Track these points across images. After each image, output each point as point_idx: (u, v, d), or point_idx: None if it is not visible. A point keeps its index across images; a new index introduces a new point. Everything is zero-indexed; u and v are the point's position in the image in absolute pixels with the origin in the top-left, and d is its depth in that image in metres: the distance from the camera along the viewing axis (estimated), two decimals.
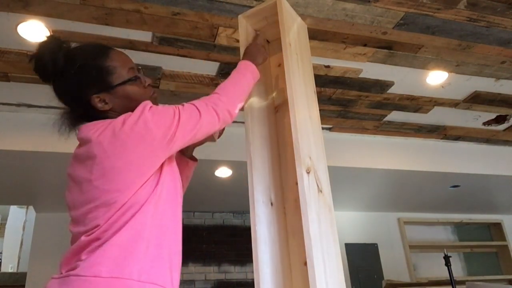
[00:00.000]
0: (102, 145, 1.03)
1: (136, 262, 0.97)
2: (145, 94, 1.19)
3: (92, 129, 1.08)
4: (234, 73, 1.33)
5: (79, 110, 1.18)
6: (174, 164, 1.18)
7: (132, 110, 1.10)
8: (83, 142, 1.09)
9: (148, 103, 1.10)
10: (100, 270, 0.93)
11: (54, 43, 1.17)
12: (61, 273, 0.99)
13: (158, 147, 1.05)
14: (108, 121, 1.09)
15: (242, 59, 1.41)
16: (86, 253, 0.97)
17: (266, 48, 1.66)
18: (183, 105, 1.15)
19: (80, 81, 1.14)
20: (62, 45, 1.17)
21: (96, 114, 1.16)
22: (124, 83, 1.15)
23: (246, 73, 1.34)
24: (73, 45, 1.21)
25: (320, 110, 1.53)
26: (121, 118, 1.07)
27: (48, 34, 1.20)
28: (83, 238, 0.99)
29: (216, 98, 1.21)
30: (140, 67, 1.24)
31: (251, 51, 1.43)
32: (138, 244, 0.99)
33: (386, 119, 3.71)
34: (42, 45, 1.15)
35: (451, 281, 3.29)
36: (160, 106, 1.12)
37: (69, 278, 0.95)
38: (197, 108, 1.14)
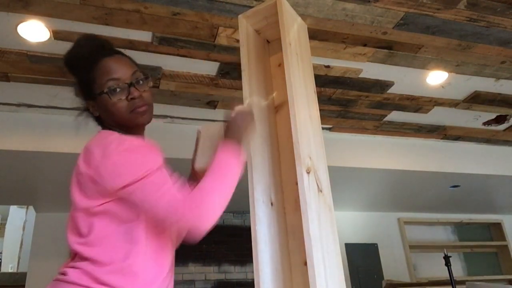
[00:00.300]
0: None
1: (114, 276, 1.02)
2: (121, 108, 1.15)
3: (91, 140, 1.16)
4: (220, 167, 1.12)
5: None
6: None
7: (114, 123, 1.17)
8: None
9: (125, 142, 1.07)
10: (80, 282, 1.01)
11: (86, 40, 1.26)
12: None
13: (102, 188, 1.04)
14: (103, 136, 1.14)
15: (228, 136, 1.18)
16: (73, 262, 1.06)
17: (266, 48, 1.66)
18: (163, 174, 1.07)
19: (77, 82, 1.23)
20: (91, 43, 1.25)
21: (96, 120, 1.24)
22: (100, 94, 1.16)
23: (233, 168, 1.13)
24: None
25: (320, 110, 1.52)
26: (107, 141, 1.09)
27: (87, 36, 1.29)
28: (72, 247, 1.08)
29: (198, 195, 1.06)
30: (134, 80, 1.18)
31: (239, 127, 1.20)
32: (116, 259, 1.03)
33: (386, 119, 3.71)
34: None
35: (451, 281, 3.29)
36: (137, 154, 1.07)
37: (58, 282, 1.03)
38: (166, 189, 1.03)
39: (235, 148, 1.15)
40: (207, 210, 1.07)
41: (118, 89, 1.15)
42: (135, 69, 1.22)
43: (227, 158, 1.13)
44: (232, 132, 1.19)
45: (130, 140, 1.08)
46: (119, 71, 1.18)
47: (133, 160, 1.05)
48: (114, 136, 1.10)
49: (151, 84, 1.23)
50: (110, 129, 1.18)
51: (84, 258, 1.03)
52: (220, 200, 1.10)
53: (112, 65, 1.19)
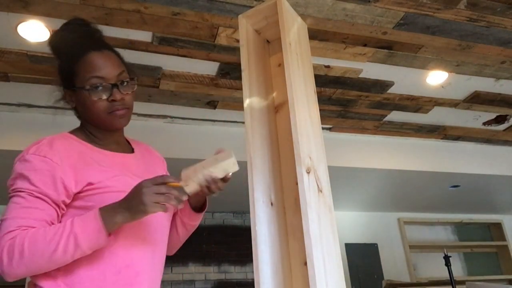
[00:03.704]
0: None
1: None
2: (99, 108, 1.12)
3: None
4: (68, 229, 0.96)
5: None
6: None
7: (88, 120, 1.17)
8: None
9: (23, 169, 1.05)
10: None
11: (77, 25, 1.20)
12: None
13: None
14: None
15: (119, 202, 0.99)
16: None
17: (266, 48, 1.66)
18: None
19: (59, 71, 1.19)
20: (81, 29, 1.19)
21: (74, 110, 1.22)
22: (80, 88, 1.13)
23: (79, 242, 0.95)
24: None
25: (320, 110, 1.52)
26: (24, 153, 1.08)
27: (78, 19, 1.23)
28: None
29: (20, 239, 0.94)
30: (119, 81, 1.14)
31: (129, 198, 0.97)
32: None
33: (386, 119, 3.71)
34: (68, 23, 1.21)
35: (451, 281, 3.29)
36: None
37: None
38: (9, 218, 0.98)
39: (100, 225, 0.95)
40: (21, 271, 0.94)
41: (100, 88, 1.11)
42: (122, 69, 1.17)
43: (86, 228, 0.95)
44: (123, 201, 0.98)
45: (23, 162, 1.06)
46: (104, 69, 1.13)
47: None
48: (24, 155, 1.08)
49: (135, 87, 1.18)
50: (84, 122, 1.19)
51: None
52: (40, 266, 0.96)
53: (99, 61, 1.14)
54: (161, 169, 1.32)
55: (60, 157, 1.05)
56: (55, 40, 1.19)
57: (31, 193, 1.00)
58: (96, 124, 1.17)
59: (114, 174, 1.10)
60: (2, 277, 0.96)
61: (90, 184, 1.04)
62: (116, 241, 1.04)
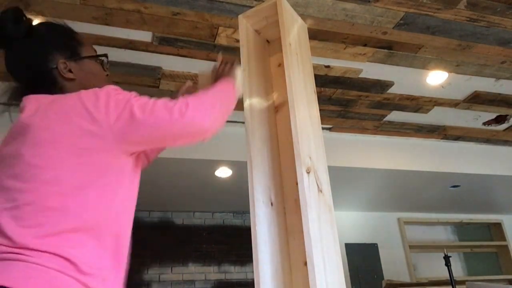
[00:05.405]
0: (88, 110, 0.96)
1: None
2: (106, 80, 1.17)
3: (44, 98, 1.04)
4: (216, 89, 1.20)
5: (36, 79, 1.09)
6: None
7: (89, 87, 1.05)
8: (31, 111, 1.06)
9: (113, 88, 1.02)
10: None
11: (17, 9, 1.07)
12: None
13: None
14: (69, 94, 1.01)
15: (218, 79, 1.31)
16: None
17: (266, 48, 1.66)
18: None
19: (49, 42, 1.09)
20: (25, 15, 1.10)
21: (53, 85, 1.08)
22: (92, 57, 1.15)
23: (229, 91, 1.24)
24: None
25: (320, 110, 1.52)
26: (90, 91, 1.00)
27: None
28: None
29: (197, 97, 1.08)
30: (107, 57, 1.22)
31: (226, 73, 1.33)
32: None
33: (386, 119, 3.71)
34: (4, 9, 1.07)
35: (451, 281, 3.29)
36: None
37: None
38: (156, 105, 1.00)
39: (229, 80, 1.25)
40: (211, 108, 1.07)
41: (106, 58, 1.18)
42: None
43: (222, 84, 1.22)
44: (222, 76, 1.28)
45: (107, 88, 1.05)
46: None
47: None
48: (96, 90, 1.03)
49: None
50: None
51: None
52: (220, 107, 1.12)
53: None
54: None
55: None
56: (46, 22, 1.17)
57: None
58: None
59: None
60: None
61: None
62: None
